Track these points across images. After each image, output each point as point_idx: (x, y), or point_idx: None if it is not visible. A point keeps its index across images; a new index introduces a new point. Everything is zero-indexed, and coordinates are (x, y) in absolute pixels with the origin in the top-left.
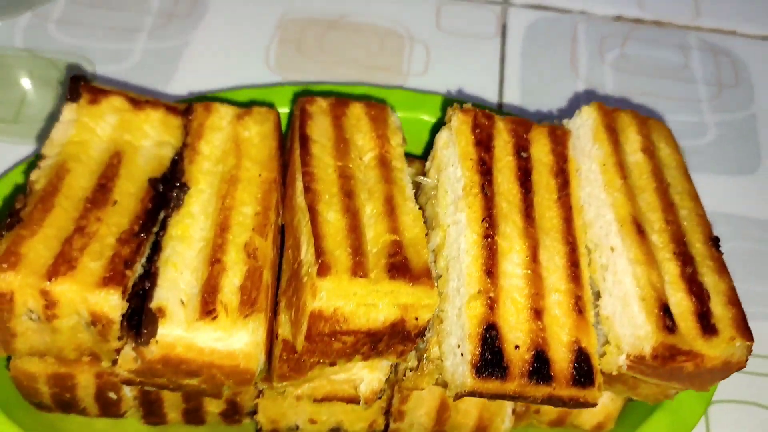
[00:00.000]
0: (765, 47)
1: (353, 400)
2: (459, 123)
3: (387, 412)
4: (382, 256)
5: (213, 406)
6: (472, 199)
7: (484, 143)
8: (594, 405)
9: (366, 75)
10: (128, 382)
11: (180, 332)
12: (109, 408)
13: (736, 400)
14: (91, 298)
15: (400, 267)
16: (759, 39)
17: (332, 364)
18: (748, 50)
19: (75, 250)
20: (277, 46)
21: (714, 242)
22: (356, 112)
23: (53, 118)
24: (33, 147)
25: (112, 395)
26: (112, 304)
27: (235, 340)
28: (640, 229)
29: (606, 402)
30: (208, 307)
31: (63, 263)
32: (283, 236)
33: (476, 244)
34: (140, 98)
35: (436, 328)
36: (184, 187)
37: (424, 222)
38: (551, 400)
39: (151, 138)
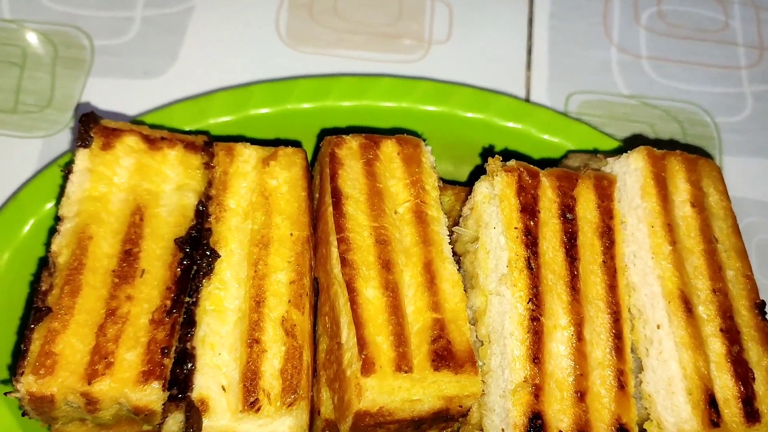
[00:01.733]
0: None
1: None
2: (503, 186)
3: None
4: (424, 339)
5: None
6: (518, 276)
7: (529, 208)
8: None
9: (386, 45)
10: None
11: (224, 422)
12: None
13: None
14: (132, 395)
15: (443, 354)
16: None
17: None
18: None
19: (110, 341)
20: (287, 10)
21: (760, 309)
22: (388, 152)
23: (52, 106)
24: (35, 142)
25: None
26: (153, 398)
27: (278, 425)
28: (687, 306)
29: None
30: (250, 397)
31: (100, 360)
32: (316, 288)
33: (521, 326)
34: (155, 135)
35: (478, 399)
36: (214, 254)
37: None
38: None
39: (172, 181)
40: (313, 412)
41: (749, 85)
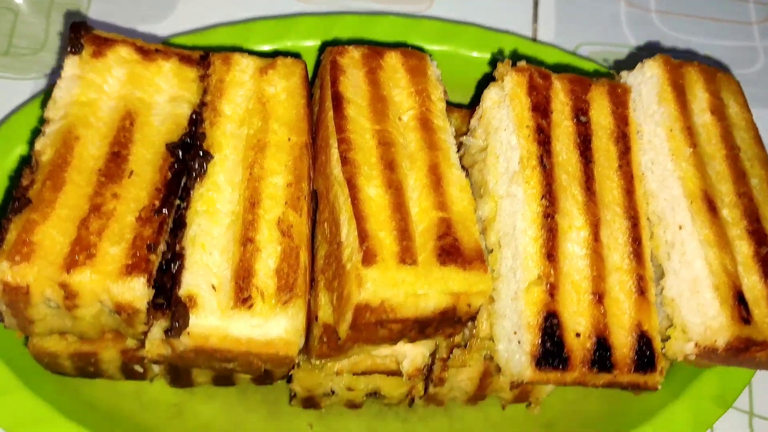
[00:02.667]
0: None
1: (395, 373)
2: (513, 85)
3: (427, 378)
4: (429, 237)
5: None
6: (530, 173)
7: (541, 108)
8: (655, 389)
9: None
10: (157, 362)
11: (213, 322)
12: (135, 376)
13: None
14: (114, 288)
15: (450, 251)
16: None
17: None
18: None
19: (92, 234)
20: None
21: None
22: (392, 63)
23: (46, 49)
24: (27, 84)
25: (138, 368)
26: (137, 294)
27: (273, 326)
28: (711, 206)
29: None
30: (242, 294)
31: (81, 251)
32: (315, 201)
33: (535, 223)
34: (149, 47)
35: (487, 308)
36: (207, 156)
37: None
38: (611, 386)
39: (165, 93)
40: (311, 319)
41: (761, 40)
